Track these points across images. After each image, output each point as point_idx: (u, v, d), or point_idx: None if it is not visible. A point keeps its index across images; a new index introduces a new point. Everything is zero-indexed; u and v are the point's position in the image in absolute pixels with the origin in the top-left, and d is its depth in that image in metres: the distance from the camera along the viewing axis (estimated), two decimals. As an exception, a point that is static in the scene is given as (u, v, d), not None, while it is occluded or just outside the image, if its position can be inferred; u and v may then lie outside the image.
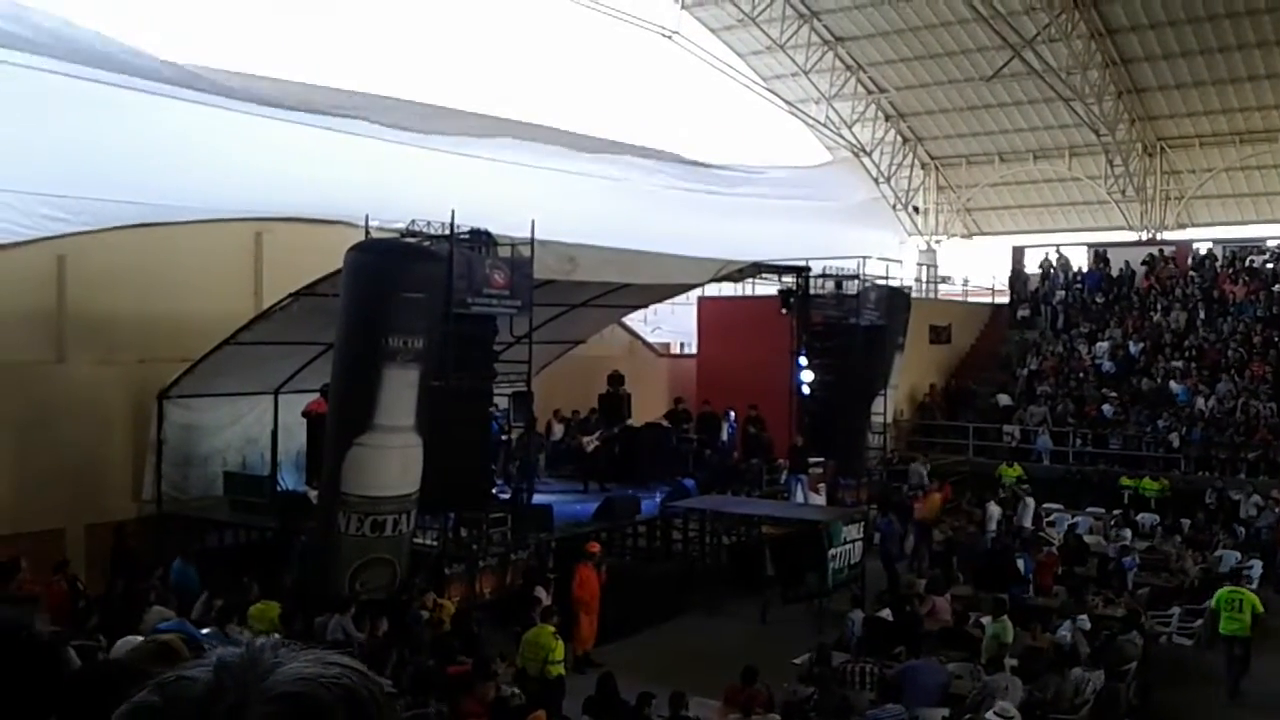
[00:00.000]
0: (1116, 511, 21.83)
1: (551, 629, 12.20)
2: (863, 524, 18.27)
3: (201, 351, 16.43)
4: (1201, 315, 31.05)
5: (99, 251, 16.70)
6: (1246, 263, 32.39)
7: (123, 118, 18.94)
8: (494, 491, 15.53)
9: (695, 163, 31.15)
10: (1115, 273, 33.95)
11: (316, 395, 16.06)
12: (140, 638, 8.11)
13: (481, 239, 14.97)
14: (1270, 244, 32.94)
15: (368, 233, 14.96)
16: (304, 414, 16.66)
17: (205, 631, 10.16)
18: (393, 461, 13.49)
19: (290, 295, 15.73)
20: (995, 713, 10.39)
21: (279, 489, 16.97)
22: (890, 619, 14.25)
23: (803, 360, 22.01)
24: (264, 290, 17.89)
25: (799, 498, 20.51)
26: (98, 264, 16.57)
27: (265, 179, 19.99)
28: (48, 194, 16.78)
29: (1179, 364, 29.08)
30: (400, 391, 13.41)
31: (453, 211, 14.38)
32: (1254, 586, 17.54)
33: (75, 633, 8.52)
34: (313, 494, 15.24)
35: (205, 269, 17.84)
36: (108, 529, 15.77)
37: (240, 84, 21.20)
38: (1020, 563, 16.43)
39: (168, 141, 19.39)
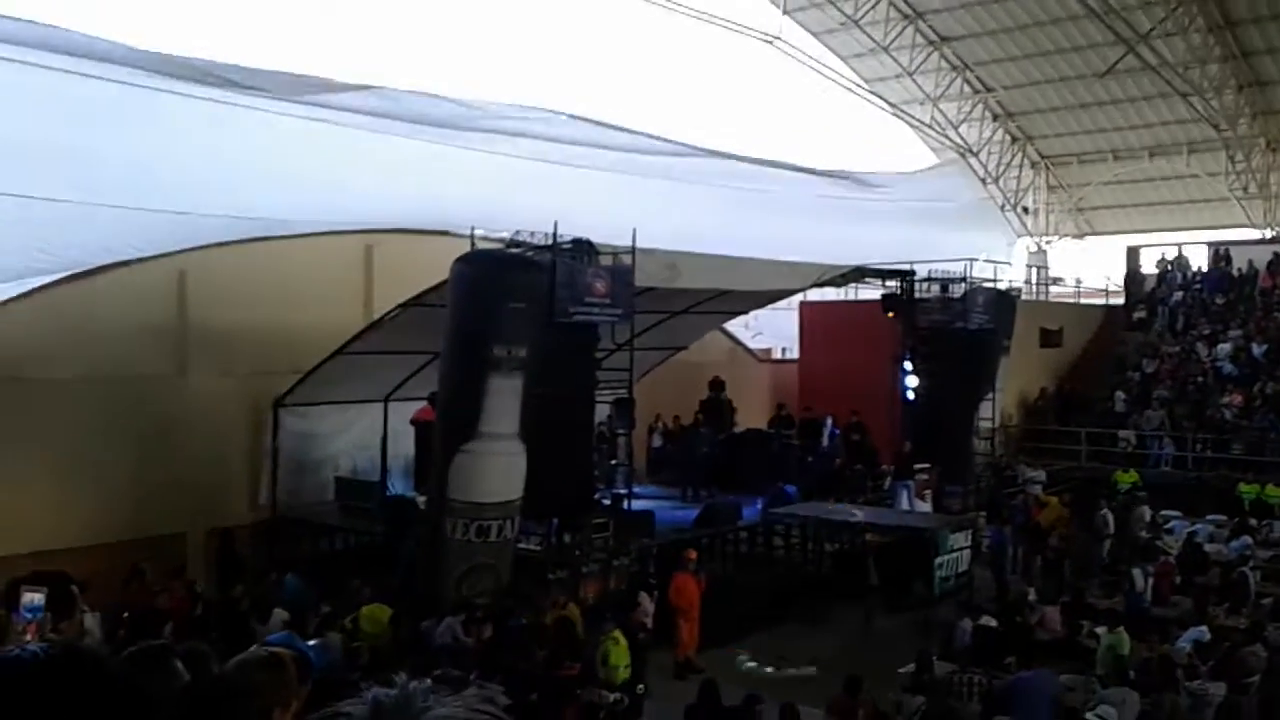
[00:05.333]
0: (1236, 520, 20.98)
1: (615, 632, 12.16)
2: (970, 532, 17.94)
3: (314, 361, 16.91)
4: (1330, 316, 29.72)
5: (218, 266, 17.30)
6: (1379, 259, 30.89)
7: (238, 135, 19.63)
8: (596, 497, 15.65)
9: (800, 166, 30.91)
10: (1236, 272, 32.69)
11: (424, 403, 16.42)
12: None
13: (583, 248, 15.13)
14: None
15: (473, 243, 15.25)
16: (412, 421, 17.05)
17: (311, 643, 10.45)
18: (497, 468, 13.73)
19: (399, 306, 16.11)
20: (1098, 714, 10.19)
21: (388, 494, 17.39)
22: (996, 627, 13.96)
23: (907, 365, 21.70)
24: (374, 301, 18.34)
25: (904, 504, 20.22)
26: (216, 279, 17.16)
27: (375, 192, 20.51)
28: (169, 210, 17.45)
29: (1306, 366, 27.88)
30: (505, 399, 13.64)
31: (555, 222, 14.58)
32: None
33: (192, 638, 8.85)
34: (420, 499, 15.58)
35: (318, 281, 18.34)
36: (229, 534, 16.36)
37: (349, 99, 21.74)
38: (1136, 573, 15.93)
39: (282, 157, 20.02)
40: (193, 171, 18.47)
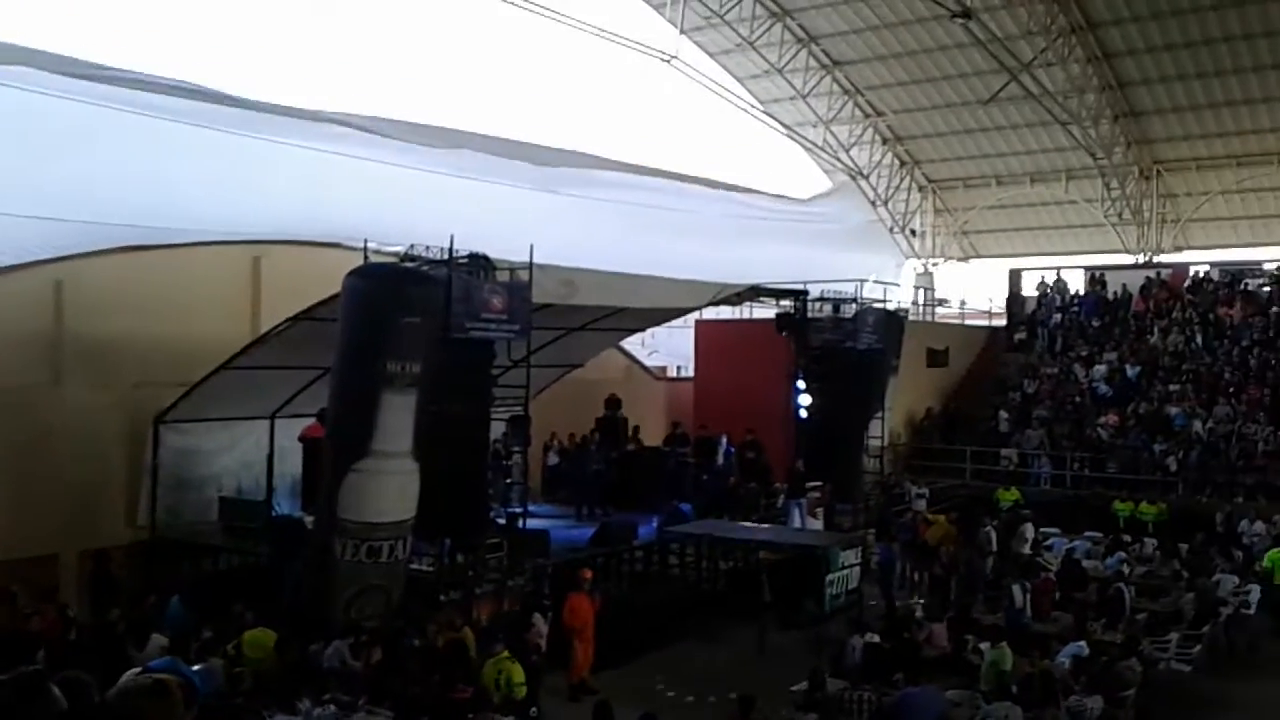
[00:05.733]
0: (1110, 536, 21.73)
1: (505, 654, 12.01)
2: (860, 549, 18.22)
3: (198, 375, 16.39)
4: (1199, 339, 31.07)
5: (96, 275, 16.67)
6: (1243, 286, 32.45)
7: (120, 140, 18.98)
8: (490, 516, 15.44)
9: (694, 185, 31.18)
10: (1111, 296, 34.00)
11: (313, 420, 16.03)
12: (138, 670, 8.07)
13: (480, 263, 14.97)
14: (1267, 266, 33.01)
15: (366, 256, 14.96)
16: (300, 439, 16.62)
17: (196, 668, 10.09)
18: (390, 487, 13.45)
19: (288, 319, 15.72)
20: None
21: (274, 514, 16.91)
22: (882, 644, 14.16)
23: (800, 384, 22.00)
24: (262, 314, 17.87)
25: (796, 522, 20.46)
26: (95, 287, 16.53)
27: (263, 201, 20.02)
28: (45, 217, 16.76)
29: (1176, 387, 29.09)
30: (398, 416, 13.37)
31: (451, 236, 14.40)
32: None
33: (65, 665, 8.44)
34: (308, 519, 15.18)
35: (203, 293, 17.82)
36: (104, 555, 15.69)
37: (240, 106, 21.22)
38: (1016, 590, 16.35)
39: (165, 164, 19.42)
40: (70, 177, 17.75)
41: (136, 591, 14.35)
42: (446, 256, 14.34)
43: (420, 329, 13.56)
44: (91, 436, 16.37)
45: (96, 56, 19.26)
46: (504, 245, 15.55)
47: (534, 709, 11.99)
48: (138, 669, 8.23)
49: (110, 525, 16.49)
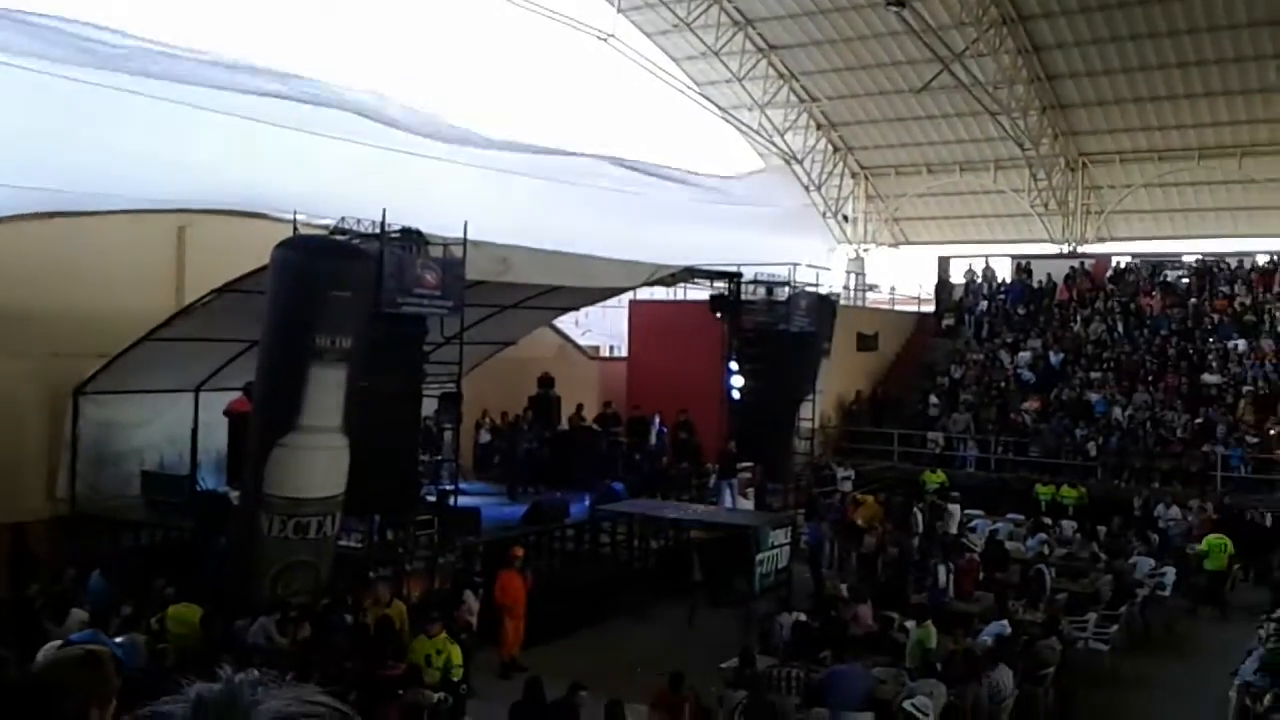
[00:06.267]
0: (1032, 518, 22.19)
1: (444, 635, 11.95)
2: (790, 529, 18.40)
3: (120, 347, 15.96)
4: (1120, 327, 31.82)
5: (9, 241, 16.13)
6: (1163, 277, 33.30)
7: (35, 99, 18.37)
8: (421, 493, 15.30)
9: (629, 165, 31.10)
10: (1037, 284, 34.68)
11: (239, 394, 15.73)
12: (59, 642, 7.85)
13: (413, 238, 14.77)
14: (1186, 258, 33.95)
15: (295, 229, 14.69)
16: (225, 413, 16.28)
17: (118, 640, 9.87)
18: (318, 462, 13.26)
19: (214, 291, 15.36)
20: (912, 703, 10.59)
21: (198, 489, 16.58)
22: (809, 622, 14.34)
23: (733, 365, 22.12)
24: (186, 285, 17.44)
25: (728, 502, 20.60)
26: (8, 254, 15.98)
27: (189, 169, 19.51)
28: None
29: (1097, 375, 29.79)
30: (327, 391, 13.17)
31: (384, 210, 14.18)
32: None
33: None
34: (233, 494, 14.91)
35: (126, 262, 17.33)
36: (21, 529, 15.26)
37: (164, 65, 20.64)
38: (940, 570, 16.65)
39: (84, 126, 18.83)
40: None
41: (55, 566, 13.99)
42: (379, 230, 14.12)
43: (351, 303, 13.36)
44: (8, 408, 15.84)
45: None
46: (437, 220, 15.35)
47: (464, 685, 11.94)
48: (59, 642, 8.03)
49: (28, 499, 16.00)
